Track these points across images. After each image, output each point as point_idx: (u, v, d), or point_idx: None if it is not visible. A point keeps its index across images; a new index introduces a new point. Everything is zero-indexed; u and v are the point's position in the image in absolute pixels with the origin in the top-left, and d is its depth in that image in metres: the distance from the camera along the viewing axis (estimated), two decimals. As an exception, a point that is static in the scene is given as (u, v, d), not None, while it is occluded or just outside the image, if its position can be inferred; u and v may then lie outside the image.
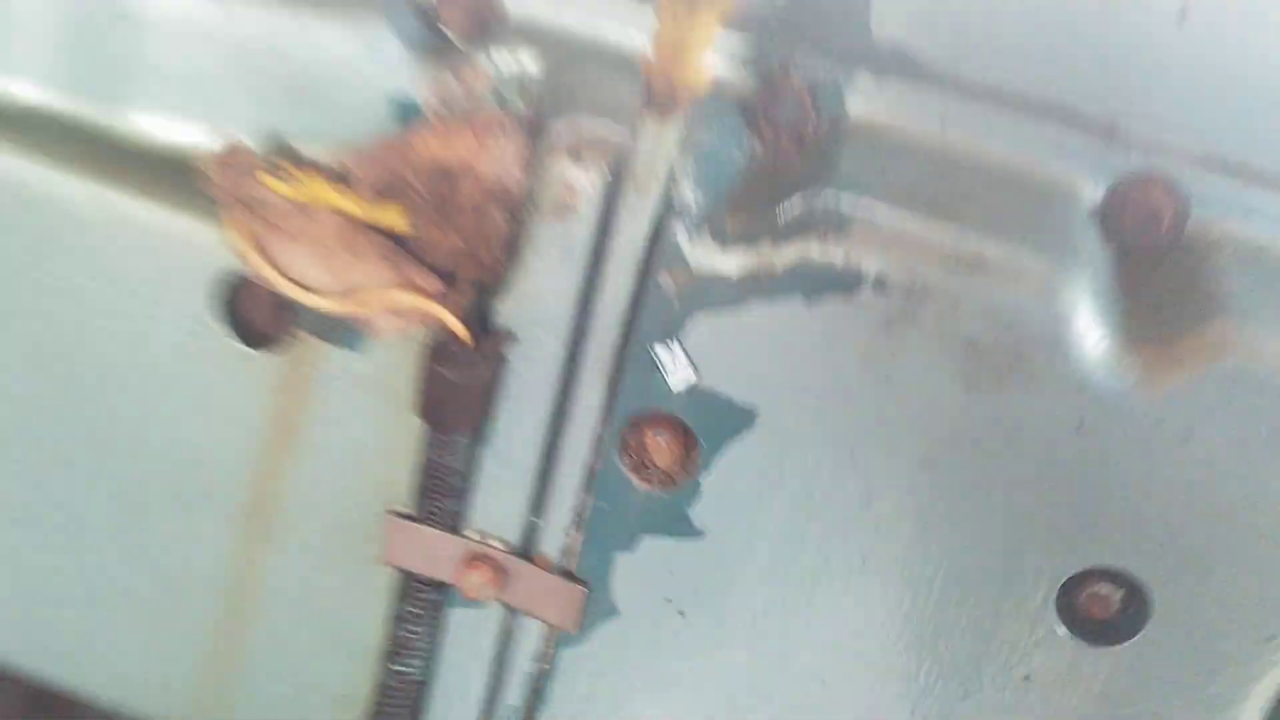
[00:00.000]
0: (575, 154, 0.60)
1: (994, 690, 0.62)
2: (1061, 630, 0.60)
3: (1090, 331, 0.56)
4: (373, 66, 0.65)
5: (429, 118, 0.64)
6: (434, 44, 0.67)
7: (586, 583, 0.66)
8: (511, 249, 0.61)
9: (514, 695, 0.70)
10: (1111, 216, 0.58)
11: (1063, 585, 0.59)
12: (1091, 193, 0.58)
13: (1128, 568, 0.58)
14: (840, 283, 0.58)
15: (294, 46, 0.65)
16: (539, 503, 0.65)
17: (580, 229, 0.59)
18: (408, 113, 0.66)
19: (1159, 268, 0.58)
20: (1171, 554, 0.58)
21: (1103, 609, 0.60)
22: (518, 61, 0.66)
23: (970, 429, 0.58)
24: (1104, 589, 0.60)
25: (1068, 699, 0.61)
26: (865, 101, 0.59)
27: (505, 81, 0.66)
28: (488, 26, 0.69)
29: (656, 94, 0.57)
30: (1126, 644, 0.59)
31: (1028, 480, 0.58)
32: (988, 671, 0.62)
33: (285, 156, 0.65)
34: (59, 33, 0.65)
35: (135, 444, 0.71)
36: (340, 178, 0.64)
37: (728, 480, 0.62)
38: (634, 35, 0.65)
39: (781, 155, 0.60)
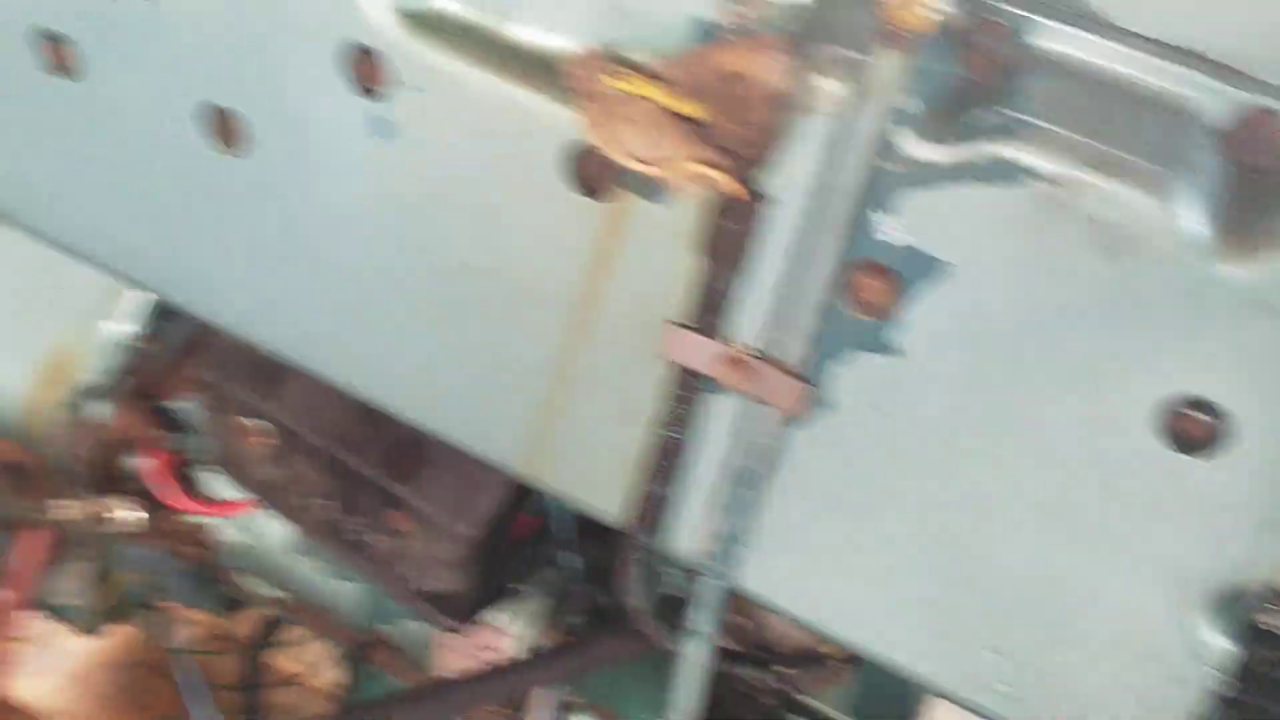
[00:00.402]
0: (824, 69, 0.82)
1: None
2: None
3: (1198, 224, 0.76)
4: (684, -5, 0.90)
5: (723, 35, 0.88)
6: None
7: (811, 382, 0.90)
8: (777, 136, 0.85)
9: (751, 459, 0.96)
10: (1235, 141, 0.76)
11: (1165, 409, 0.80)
12: (1218, 119, 0.76)
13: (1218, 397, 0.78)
14: (1018, 174, 0.79)
15: (630, -21, 0.90)
16: (780, 321, 0.90)
17: (826, 124, 0.82)
18: (707, 30, 0.90)
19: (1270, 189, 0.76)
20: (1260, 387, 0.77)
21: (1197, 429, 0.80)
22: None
23: (1104, 289, 0.79)
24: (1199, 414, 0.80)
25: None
26: (1048, 39, 0.79)
27: (782, 9, 0.89)
28: (771, -34, 0.92)
29: (889, 29, 0.78)
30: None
31: (1140, 337, 0.78)
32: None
33: (619, 60, 0.90)
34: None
35: (498, 261, 0.99)
36: (657, 76, 0.89)
37: (925, 316, 0.85)
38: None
39: (980, 75, 0.81)
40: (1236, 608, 0.85)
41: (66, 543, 1.69)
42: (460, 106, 0.95)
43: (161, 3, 1.02)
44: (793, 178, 0.85)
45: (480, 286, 1.01)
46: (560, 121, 0.92)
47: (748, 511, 0.98)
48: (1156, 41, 0.77)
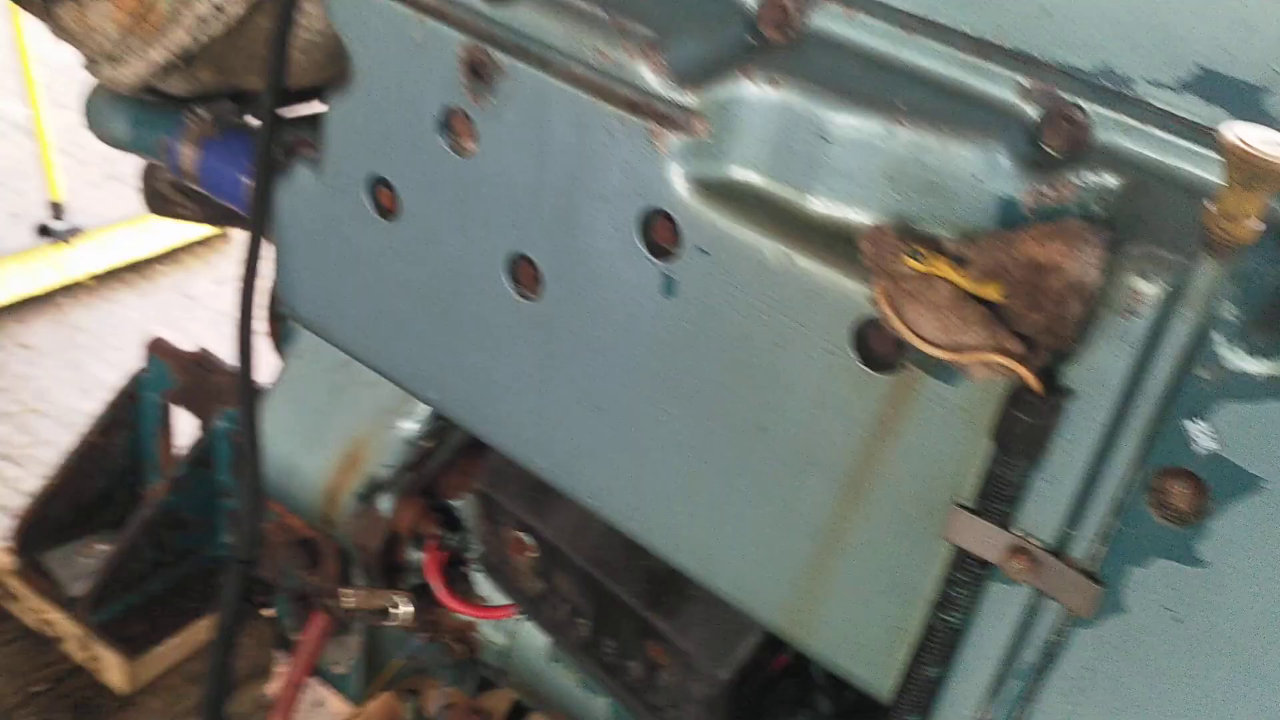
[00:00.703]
0: (1142, 269, 0.78)
1: None
2: None
3: None
4: (988, 174, 0.87)
5: (1028, 218, 0.85)
6: (1036, 160, 0.88)
7: (1102, 582, 0.85)
8: (1082, 330, 0.81)
9: (1030, 655, 0.91)
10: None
11: None
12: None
13: None
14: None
15: (932, 156, 0.89)
16: (1074, 517, 0.85)
17: (1139, 325, 0.78)
18: (1010, 211, 0.87)
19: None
20: None
21: None
22: (1101, 181, 0.85)
23: None
24: None
25: None
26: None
27: (1090, 196, 0.85)
28: (1080, 149, 0.88)
29: (1212, 239, 0.73)
30: None
31: None
32: None
33: (915, 236, 0.89)
34: (777, 142, 0.93)
35: (776, 422, 0.99)
36: (955, 257, 0.87)
37: (1231, 529, 0.79)
38: (1200, 175, 0.83)
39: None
40: None
41: (349, 619, 1.79)
42: (749, 272, 0.95)
43: (475, 160, 1.07)
44: (1097, 375, 0.81)
45: (756, 443, 1.01)
46: (851, 295, 0.91)
47: (1022, 705, 0.93)
48: None
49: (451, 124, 1.08)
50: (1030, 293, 0.83)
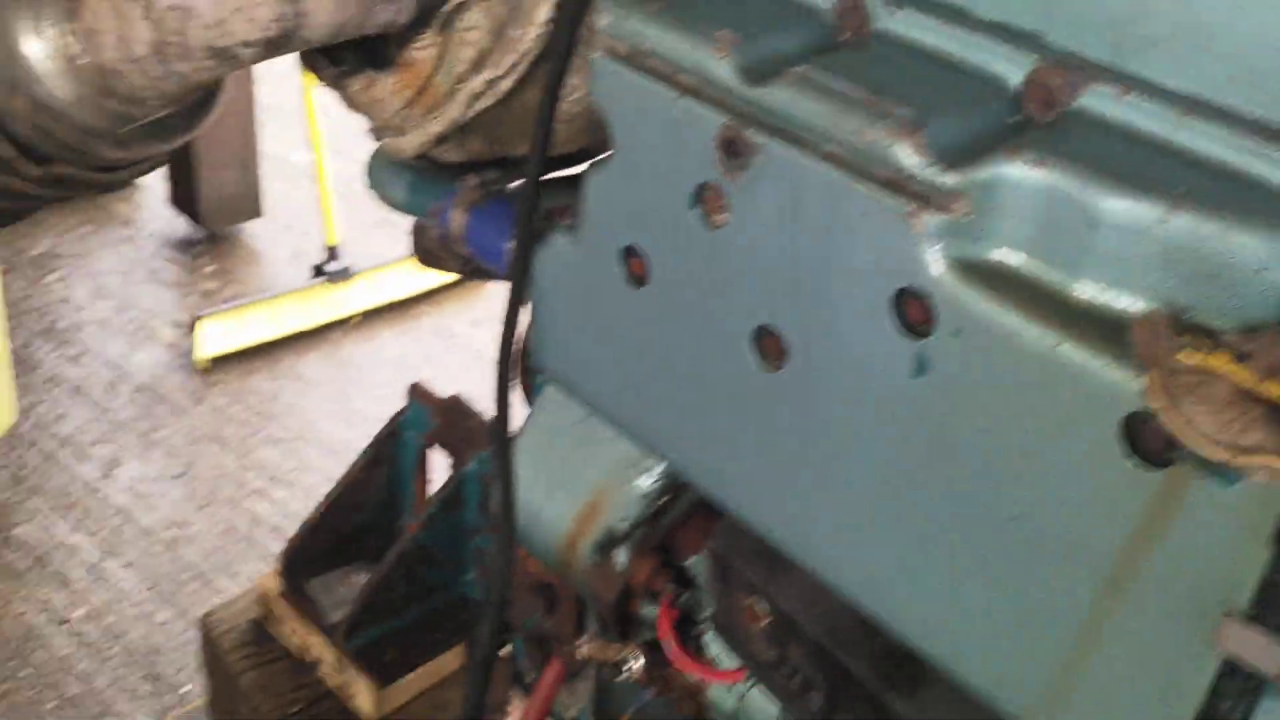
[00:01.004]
0: None
1: None
2: None
3: None
4: (1273, 263, 0.81)
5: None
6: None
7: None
8: (1385, 439, 0.74)
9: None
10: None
11: None
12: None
13: None
14: None
15: (1212, 244, 0.83)
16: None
17: None
18: (1298, 301, 0.81)
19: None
20: None
21: None
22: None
23: None
24: None
25: None
26: None
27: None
28: (1384, 237, 0.81)
29: None
30: None
31: None
32: None
33: (1190, 327, 0.83)
34: (1043, 223, 0.90)
35: (1032, 511, 0.94)
36: (1237, 352, 0.81)
37: None
38: None
39: None
40: None
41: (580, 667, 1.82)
42: (1006, 357, 0.92)
43: (725, 233, 1.08)
44: (1403, 487, 0.73)
45: (1009, 532, 0.97)
46: (1119, 386, 0.86)
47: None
48: None
49: (704, 198, 1.09)
50: (1325, 394, 0.77)
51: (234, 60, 1.25)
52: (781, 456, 1.14)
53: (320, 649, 2.43)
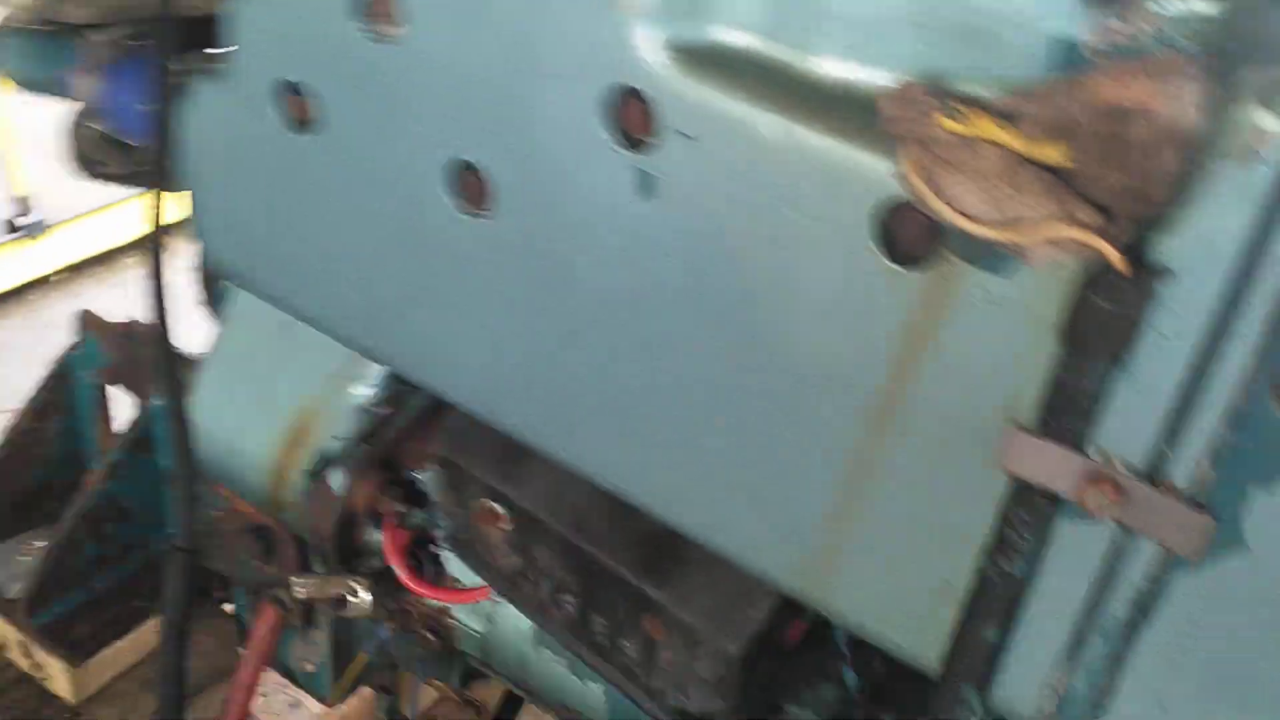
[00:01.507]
0: (1265, 99, 0.58)
1: None
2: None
3: None
4: (1039, 9, 0.67)
5: (1094, 59, 0.65)
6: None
7: (1215, 515, 0.66)
8: (1180, 189, 0.61)
9: (1118, 607, 0.72)
10: None
11: None
12: None
13: None
14: None
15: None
16: (1173, 433, 0.66)
17: (1264, 173, 0.58)
18: (1070, 54, 0.67)
19: None
20: None
21: None
22: (1186, 3, 0.65)
23: None
24: None
25: None
26: None
27: (1174, 23, 0.65)
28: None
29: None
30: None
31: None
32: None
33: (951, 95, 0.69)
34: (768, -14, 0.73)
35: (789, 337, 0.79)
36: (1004, 114, 0.67)
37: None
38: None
39: None
40: None
41: (310, 611, 1.59)
42: (746, 158, 0.75)
43: (400, 46, 0.87)
44: (1204, 244, 0.61)
45: (764, 368, 0.81)
46: (873, 174, 0.71)
47: (1109, 670, 0.74)
48: None
49: (370, 4, 0.87)
50: (1106, 148, 0.63)
51: None
52: (500, 324, 0.95)
53: (3, 630, 2.07)
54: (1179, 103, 0.61)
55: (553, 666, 1.33)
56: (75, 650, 2.03)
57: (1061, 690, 0.76)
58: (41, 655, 2.02)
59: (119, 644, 2.08)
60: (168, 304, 1.16)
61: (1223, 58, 0.61)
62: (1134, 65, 0.62)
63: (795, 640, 1.12)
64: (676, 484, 0.90)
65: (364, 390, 1.42)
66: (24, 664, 2.07)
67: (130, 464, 1.98)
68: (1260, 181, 0.58)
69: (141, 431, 1.97)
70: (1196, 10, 0.65)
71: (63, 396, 2.12)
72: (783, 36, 0.75)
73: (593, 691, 1.30)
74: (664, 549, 1.06)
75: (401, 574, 1.33)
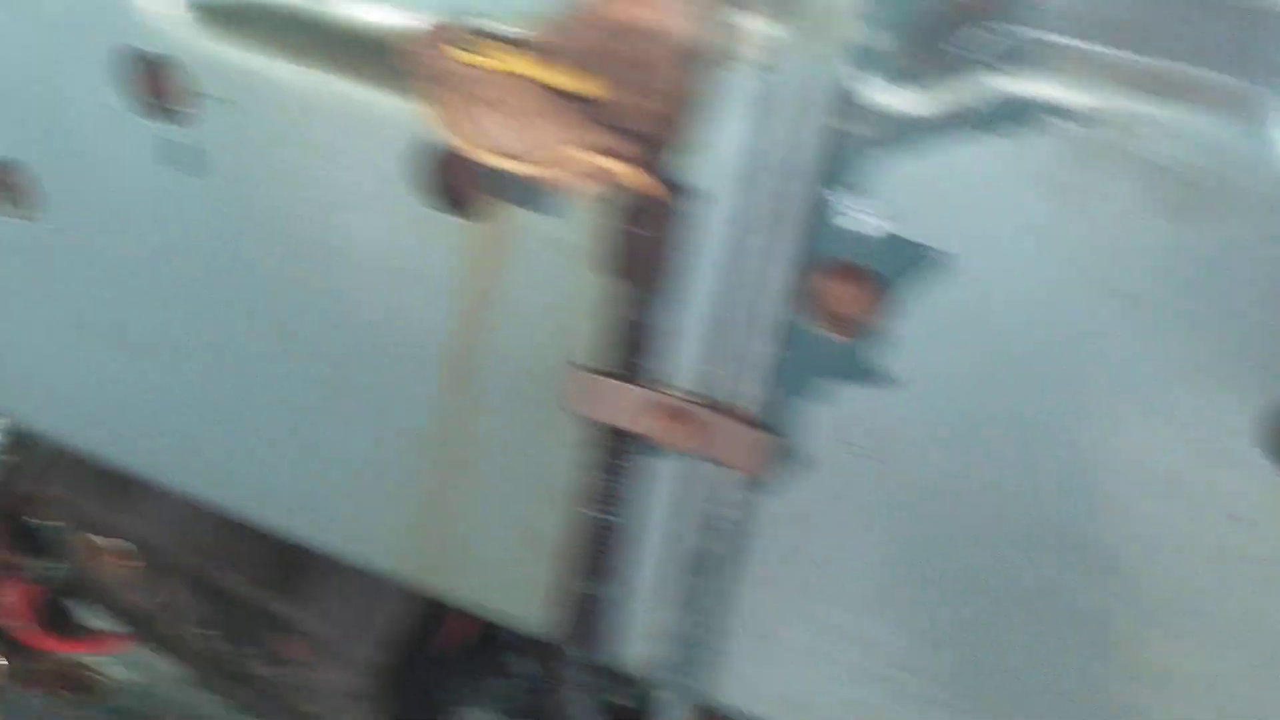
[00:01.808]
0: (750, 2, 0.57)
1: (1201, 534, 0.58)
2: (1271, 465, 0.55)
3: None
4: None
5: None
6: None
7: (775, 431, 0.65)
8: (692, 104, 0.60)
9: (709, 541, 0.70)
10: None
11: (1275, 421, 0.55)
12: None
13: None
14: (1035, 115, 0.54)
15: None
16: (724, 353, 0.64)
17: (758, 79, 0.57)
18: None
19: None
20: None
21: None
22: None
23: (1176, 261, 0.54)
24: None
25: None
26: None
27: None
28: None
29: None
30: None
31: (1240, 310, 0.53)
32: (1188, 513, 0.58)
33: (474, 31, 0.65)
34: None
35: (348, 312, 0.73)
36: (529, 47, 0.64)
37: (919, 327, 0.60)
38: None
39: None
40: None
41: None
42: (279, 116, 0.69)
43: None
44: (721, 159, 0.60)
45: (331, 347, 0.75)
46: (406, 119, 0.66)
47: (712, 605, 0.72)
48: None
49: None
50: (624, 71, 0.61)
51: None
52: (60, 330, 0.85)
53: None
54: (676, 14, 0.59)
55: (216, 708, 1.22)
56: None
57: (671, 636, 0.74)
58: None
59: None
60: None
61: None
62: (636, -17, 0.61)
63: (458, 641, 1.07)
64: (261, 482, 0.83)
65: (-17, 435, 1.26)
66: None
67: None
68: (749, 88, 0.58)
69: None
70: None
71: None
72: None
73: (258, 728, 1.20)
74: (295, 563, 0.99)
75: (31, 631, 1.19)
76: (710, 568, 0.71)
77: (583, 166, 0.63)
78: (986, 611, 0.65)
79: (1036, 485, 0.60)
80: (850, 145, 0.57)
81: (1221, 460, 0.56)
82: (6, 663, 1.22)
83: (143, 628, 1.10)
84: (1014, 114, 0.54)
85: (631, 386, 0.67)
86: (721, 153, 0.60)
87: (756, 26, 0.58)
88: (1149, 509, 0.59)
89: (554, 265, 0.67)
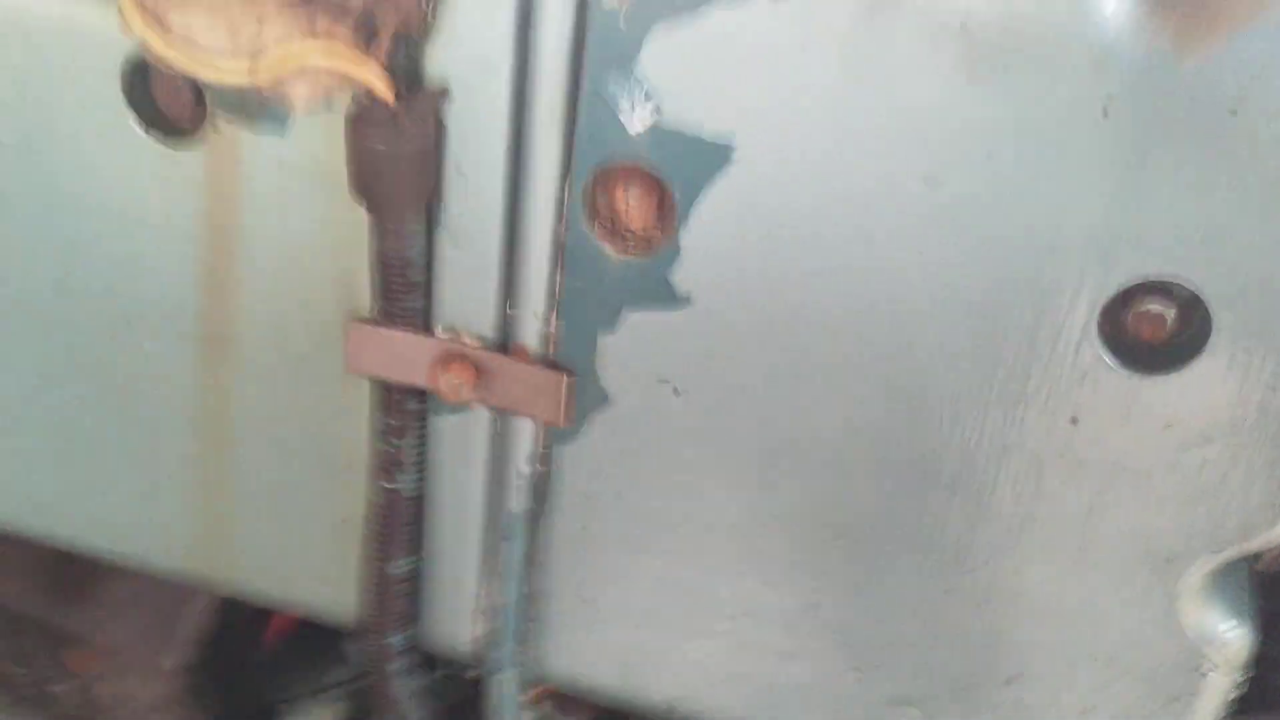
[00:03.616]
0: None
1: (1038, 437, 0.51)
2: (1108, 358, 0.48)
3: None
4: None
5: None
6: None
7: (572, 371, 0.56)
8: (433, -13, 0.50)
9: (516, 501, 0.61)
10: None
11: (1105, 306, 0.48)
12: None
13: (1178, 276, 0.46)
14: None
15: None
16: (509, 288, 0.55)
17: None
18: None
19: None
20: (1227, 255, 0.45)
21: (1155, 330, 0.48)
22: None
23: (976, 128, 0.46)
24: (1154, 306, 0.48)
25: (1125, 439, 0.50)
26: None
27: None
28: None
29: None
30: (1186, 368, 0.48)
31: (1052, 182, 0.46)
32: (1028, 418, 0.51)
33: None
34: None
35: (72, 263, 0.61)
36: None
37: (709, 233, 0.51)
38: None
39: None
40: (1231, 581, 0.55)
41: None
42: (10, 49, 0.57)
43: None
44: (469, 50, 0.50)
45: (66, 313, 0.63)
46: (108, 30, 0.54)
47: (530, 572, 0.63)
48: None
49: None
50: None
51: None
52: None
53: None
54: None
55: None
56: None
57: (489, 610, 0.65)
58: None
59: None
60: None
61: None
62: None
63: (282, 633, 0.96)
64: (25, 487, 0.71)
65: None
66: None
67: None
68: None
69: None
70: None
71: None
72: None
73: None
74: (75, 569, 0.86)
75: None
76: (518, 530, 0.62)
77: (295, 62, 0.52)
78: (824, 545, 0.57)
79: (857, 399, 0.53)
80: (611, 21, 0.48)
81: (1060, 362, 0.49)
82: None
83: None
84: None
85: (408, 334, 0.57)
86: (467, 41, 0.50)
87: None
88: (979, 417, 0.51)
89: (296, 194, 0.56)
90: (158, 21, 0.53)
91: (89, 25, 0.55)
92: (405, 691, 0.73)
